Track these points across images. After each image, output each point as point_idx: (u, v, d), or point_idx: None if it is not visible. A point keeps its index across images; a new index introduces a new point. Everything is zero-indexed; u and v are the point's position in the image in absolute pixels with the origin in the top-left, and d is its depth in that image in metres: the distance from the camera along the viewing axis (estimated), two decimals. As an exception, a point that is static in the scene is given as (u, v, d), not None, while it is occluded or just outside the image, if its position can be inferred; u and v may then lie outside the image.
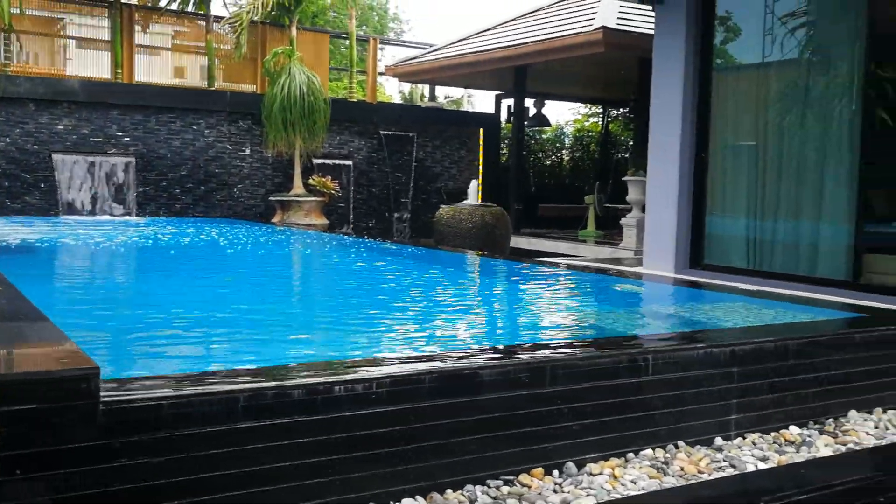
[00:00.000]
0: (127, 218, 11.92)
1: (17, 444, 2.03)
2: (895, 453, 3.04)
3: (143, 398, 2.22)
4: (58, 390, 2.10)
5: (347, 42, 16.42)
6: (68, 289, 5.63)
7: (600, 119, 18.75)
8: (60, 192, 11.64)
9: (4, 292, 3.40)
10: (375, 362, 2.85)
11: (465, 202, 10.99)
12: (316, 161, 13.52)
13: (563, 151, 18.97)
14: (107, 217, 11.78)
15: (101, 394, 2.16)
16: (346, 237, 10.89)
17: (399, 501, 2.54)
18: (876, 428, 3.42)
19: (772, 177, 8.08)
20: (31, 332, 2.83)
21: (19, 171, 11.45)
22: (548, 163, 18.65)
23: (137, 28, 13.11)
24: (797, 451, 3.10)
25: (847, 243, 7.36)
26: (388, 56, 30.72)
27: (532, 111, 15.60)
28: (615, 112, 18.18)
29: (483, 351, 3.21)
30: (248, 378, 2.47)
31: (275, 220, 12.75)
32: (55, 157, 11.63)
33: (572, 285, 6.11)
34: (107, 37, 12.81)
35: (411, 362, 2.83)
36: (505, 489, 2.66)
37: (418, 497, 2.57)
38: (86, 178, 11.82)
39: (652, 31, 9.03)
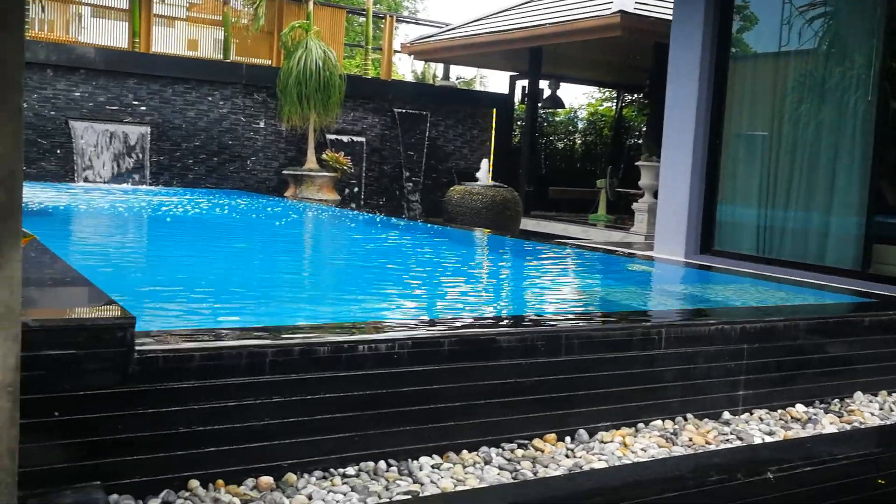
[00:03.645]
0: (142, 186, 12.00)
1: (54, 388, 2.12)
2: (899, 433, 3.11)
3: (174, 349, 2.31)
4: (97, 338, 2.18)
5: (361, 19, 16.41)
6: (100, 252, 5.72)
7: (614, 103, 18.73)
8: (76, 159, 11.73)
9: (41, 254, 3.48)
10: (399, 325, 2.93)
11: (476, 182, 11.04)
12: (329, 136, 13.57)
13: (576, 135, 18.97)
14: (123, 185, 11.86)
15: (136, 344, 2.25)
16: (359, 213, 10.96)
17: (417, 459, 2.62)
18: (881, 409, 3.49)
19: (784, 166, 8.12)
20: (71, 288, 2.91)
21: (36, 136, 11.51)
22: (560, 146, 18.66)
23: (155, -2, 13.15)
24: (803, 428, 3.18)
25: (857, 233, 7.40)
26: (402, 34, 30.63)
27: (547, 93, 15.60)
28: (629, 97, 18.16)
29: (501, 319, 3.28)
30: (277, 333, 2.55)
31: (287, 193, 12.82)
32: (72, 123, 11.70)
33: (586, 265, 6.19)
34: (125, 5, 12.86)
35: (432, 326, 2.91)
36: (519, 452, 2.75)
37: (435, 456, 2.66)
38: (102, 146, 11.90)
39: (669, 17, 9.04)
